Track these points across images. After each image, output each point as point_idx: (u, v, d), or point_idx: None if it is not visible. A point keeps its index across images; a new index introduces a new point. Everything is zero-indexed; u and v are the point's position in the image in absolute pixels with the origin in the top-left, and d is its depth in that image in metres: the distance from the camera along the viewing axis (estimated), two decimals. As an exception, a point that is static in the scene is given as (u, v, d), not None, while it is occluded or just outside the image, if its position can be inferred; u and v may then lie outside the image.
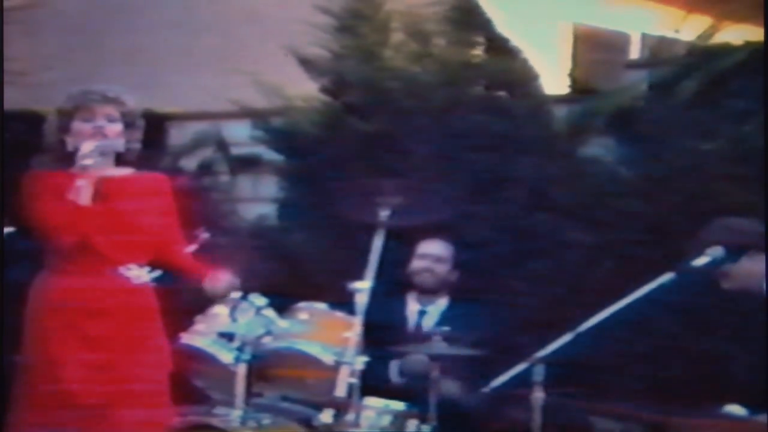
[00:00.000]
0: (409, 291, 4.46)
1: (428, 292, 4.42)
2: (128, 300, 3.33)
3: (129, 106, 3.37)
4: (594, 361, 4.09)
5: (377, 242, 3.98)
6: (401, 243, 4.35)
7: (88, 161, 3.26)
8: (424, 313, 4.41)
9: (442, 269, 4.41)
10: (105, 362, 3.26)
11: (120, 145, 3.35)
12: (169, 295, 3.46)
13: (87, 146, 3.27)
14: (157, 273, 3.44)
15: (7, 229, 4.33)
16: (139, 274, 3.35)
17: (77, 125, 3.31)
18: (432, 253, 4.42)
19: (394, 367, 4.20)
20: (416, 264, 4.42)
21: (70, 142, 3.32)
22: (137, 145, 3.41)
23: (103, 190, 3.29)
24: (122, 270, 3.32)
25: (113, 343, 3.27)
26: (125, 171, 3.40)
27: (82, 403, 3.22)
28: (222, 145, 5.70)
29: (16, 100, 5.84)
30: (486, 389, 3.57)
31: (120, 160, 3.39)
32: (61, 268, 3.31)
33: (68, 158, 3.32)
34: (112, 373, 3.25)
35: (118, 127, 3.33)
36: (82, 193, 3.24)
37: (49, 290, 3.33)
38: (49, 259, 3.35)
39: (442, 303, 4.43)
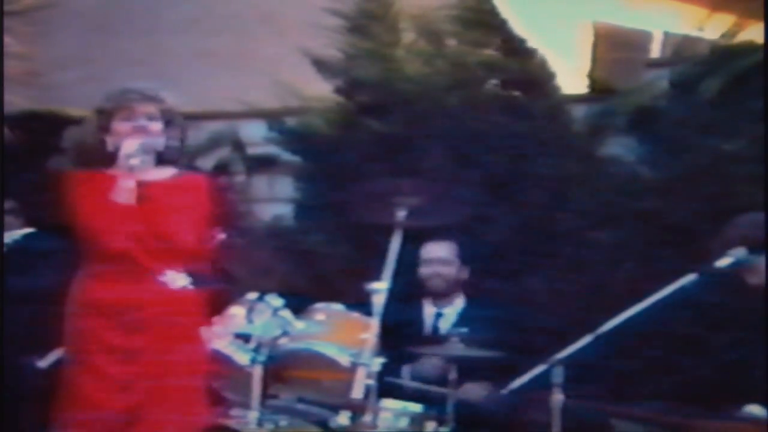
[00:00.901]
0: (424, 295, 4.46)
1: (442, 295, 4.42)
2: (164, 306, 3.30)
3: (168, 103, 3.35)
4: (614, 363, 4.10)
5: (394, 243, 3.99)
6: (418, 243, 4.37)
7: (134, 161, 3.24)
8: (440, 315, 4.42)
9: (450, 271, 4.41)
10: (141, 368, 3.25)
11: (161, 143, 3.33)
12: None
13: (130, 145, 3.25)
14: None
15: (27, 230, 4.39)
16: (176, 278, 3.32)
17: (118, 125, 3.29)
18: (436, 257, 4.42)
19: (406, 372, 4.21)
20: (424, 270, 4.43)
21: (110, 142, 3.31)
22: (178, 144, 3.38)
23: (147, 192, 3.28)
24: (158, 275, 3.29)
25: (150, 349, 3.26)
26: (167, 171, 3.37)
27: (117, 409, 3.22)
28: (238, 145, 5.73)
29: (32, 100, 5.90)
30: (504, 391, 3.57)
31: (161, 159, 3.36)
32: (100, 271, 3.29)
33: (109, 158, 3.31)
34: (148, 378, 3.25)
35: (158, 125, 3.30)
36: (127, 194, 3.23)
37: (86, 295, 3.31)
38: (87, 262, 3.32)
39: (458, 304, 4.44)
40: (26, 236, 4.40)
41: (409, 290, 4.39)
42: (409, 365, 4.21)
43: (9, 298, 4.24)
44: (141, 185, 3.28)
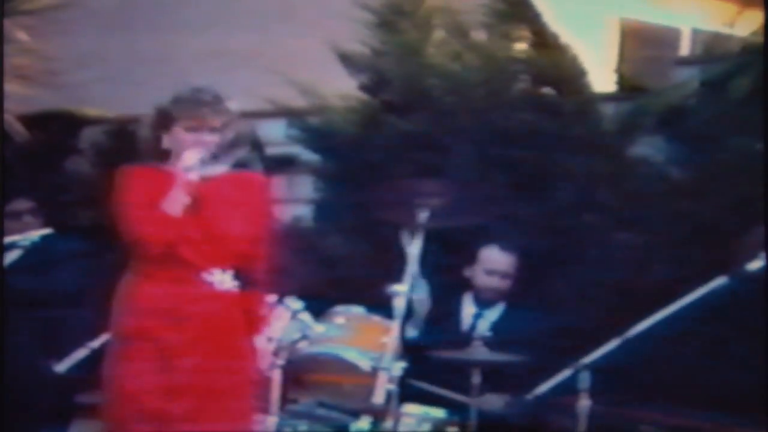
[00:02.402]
0: (466, 292, 4.43)
1: (487, 300, 4.40)
2: (211, 306, 3.30)
3: (233, 114, 3.37)
4: (643, 368, 4.07)
5: (416, 244, 3.98)
6: (442, 245, 4.35)
7: (192, 175, 3.26)
8: (480, 316, 4.39)
9: (508, 284, 4.39)
10: (187, 371, 3.25)
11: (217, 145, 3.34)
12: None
13: (190, 158, 3.26)
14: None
15: (45, 231, 4.41)
16: (223, 280, 3.32)
17: (180, 132, 3.30)
18: (502, 270, 4.37)
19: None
20: (483, 278, 4.38)
21: (167, 141, 3.33)
22: (230, 144, 3.39)
23: (196, 196, 3.28)
24: (205, 275, 3.29)
25: (195, 351, 3.26)
26: (219, 168, 3.37)
27: (162, 412, 3.22)
28: (257, 145, 5.71)
29: (50, 100, 5.94)
30: (530, 396, 3.55)
31: (213, 156, 3.36)
32: (146, 272, 3.31)
33: (163, 155, 3.33)
34: (194, 382, 3.25)
35: (218, 137, 3.32)
36: (176, 203, 3.25)
37: (133, 295, 3.33)
38: (134, 262, 3.33)
39: (499, 307, 4.41)
40: (44, 237, 4.42)
41: (445, 288, 4.36)
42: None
43: (26, 300, 4.26)
44: (192, 190, 3.28)
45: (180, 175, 3.26)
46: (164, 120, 3.34)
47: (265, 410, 3.74)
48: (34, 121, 6.04)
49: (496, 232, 4.43)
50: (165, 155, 3.34)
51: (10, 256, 4.43)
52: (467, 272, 4.43)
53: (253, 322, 3.40)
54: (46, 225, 4.49)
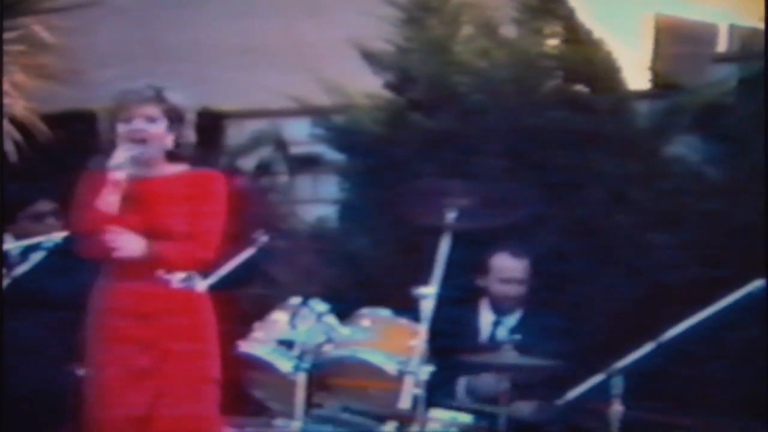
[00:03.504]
0: (482, 300, 4.42)
1: (505, 308, 4.38)
2: (169, 304, 3.34)
3: (171, 102, 3.37)
4: (677, 373, 4.04)
5: (444, 246, 3.97)
6: (469, 246, 4.33)
7: (119, 173, 3.28)
8: (498, 323, 4.38)
9: (524, 290, 4.36)
10: (148, 369, 3.29)
11: (164, 145, 3.36)
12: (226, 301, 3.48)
13: (119, 156, 3.29)
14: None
15: (66, 233, 4.44)
16: (177, 277, 3.34)
17: (118, 126, 3.35)
18: (515, 278, 4.35)
19: (461, 385, 4.17)
20: (498, 287, 4.36)
21: (116, 141, 3.36)
22: (189, 141, 3.42)
23: (140, 194, 3.32)
24: (161, 274, 3.32)
25: (157, 349, 3.30)
26: (176, 168, 3.41)
27: (125, 411, 3.27)
28: (281, 144, 5.75)
29: (73, 98, 5.98)
30: (560, 402, 3.53)
31: (171, 157, 3.41)
32: (109, 273, 3.38)
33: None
34: (156, 380, 3.29)
35: (159, 127, 3.34)
36: (110, 205, 3.27)
37: (98, 296, 3.40)
38: (101, 265, 3.40)
39: (516, 312, 4.40)
40: (67, 238, 4.45)
41: (464, 295, 4.35)
42: (464, 378, 4.18)
43: (49, 302, 4.29)
44: (131, 189, 3.31)
45: (110, 174, 3.27)
46: (109, 119, 3.38)
47: (289, 415, 3.74)
48: (57, 121, 6.08)
49: (506, 237, 4.40)
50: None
51: (34, 258, 4.46)
52: (481, 281, 4.41)
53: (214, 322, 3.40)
54: (68, 227, 4.52)
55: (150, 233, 3.31)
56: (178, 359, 3.30)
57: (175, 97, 3.40)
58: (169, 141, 3.38)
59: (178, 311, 3.34)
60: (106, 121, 3.41)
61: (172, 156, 3.41)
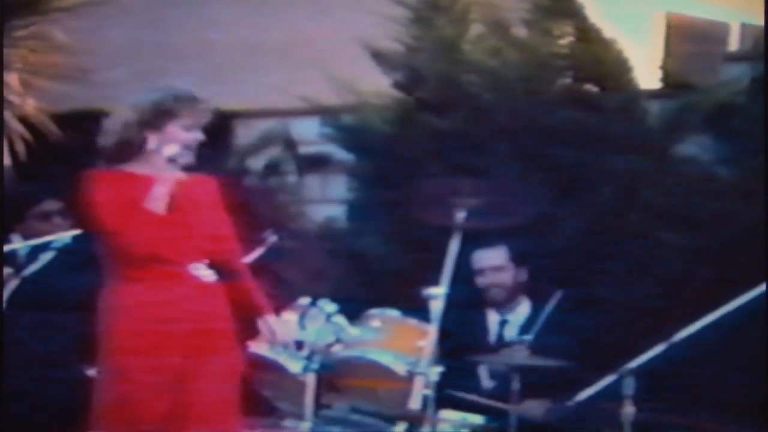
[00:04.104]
0: (486, 303, 4.42)
1: (503, 303, 4.38)
2: (200, 302, 3.35)
3: (212, 114, 3.40)
4: (689, 374, 4.03)
5: (453, 246, 3.97)
6: (478, 246, 4.34)
7: (173, 165, 3.29)
8: (505, 322, 4.37)
9: (506, 277, 4.35)
10: (176, 370, 3.29)
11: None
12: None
13: (172, 148, 3.29)
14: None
15: (75, 232, 4.45)
16: (207, 273, 3.37)
17: (175, 130, 3.32)
18: (489, 266, 4.36)
19: (483, 372, 4.16)
20: (480, 280, 4.37)
21: (153, 141, 3.33)
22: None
23: (176, 196, 3.33)
24: (191, 269, 3.34)
25: (186, 349, 3.30)
26: (180, 174, 3.39)
27: (152, 413, 3.26)
28: (290, 144, 5.76)
29: (83, 98, 5.99)
30: (572, 402, 3.52)
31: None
32: (128, 275, 3.34)
33: (145, 157, 3.34)
34: (183, 382, 3.28)
35: (198, 135, 3.37)
36: (161, 202, 3.28)
37: (119, 299, 3.36)
38: (115, 266, 3.36)
39: (522, 310, 4.39)
40: (75, 238, 4.46)
41: (472, 296, 4.35)
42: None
43: (58, 303, 4.30)
44: (172, 190, 3.33)
45: (162, 174, 3.29)
46: (157, 118, 3.33)
47: (299, 416, 3.75)
48: (67, 120, 6.10)
49: (516, 236, 4.39)
50: (145, 158, 3.34)
51: (43, 258, 4.47)
52: (476, 286, 4.41)
53: (248, 309, 3.43)
54: (77, 226, 4.53)
55: (184, 233, 3.32)
56: (208, 355, 3.30)
57: (210, 106, 3.41)
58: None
59: (206, 308, 3.34)
60: (152, 117, 3.34)
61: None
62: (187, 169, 3.39)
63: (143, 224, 3.27)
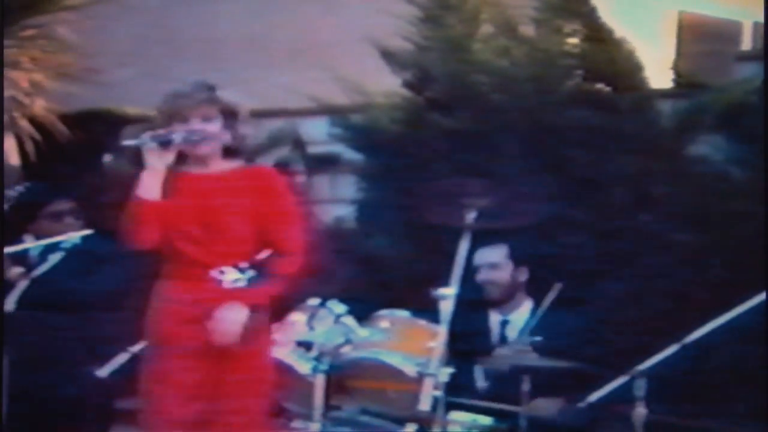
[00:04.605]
0: (486, 302, 4.42)
1: (502, 301, 4.37)
2: (218, 305, 3.32)
3: (225, 101, 3.42)
4: (701, 376, 4.01)
5: (463, 246, 3.96)
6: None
7: (160, 160, 3.32)
8: (506, 322, 4.37)
9: (503, 275, 4.35)
10: (203, 374, 3.29)
11: (221, 142, 3.40)
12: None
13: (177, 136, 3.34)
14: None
15: (86, 232, 4.46)
16: (236, 278, 3.35)
17: (174, 128, 3.36)
18: (486, 262, 4.35)
19: (479, 373, 4.16)
20: (477, 278, 4.36)
21: (178, 137, 3.36)
22: (245, 137, 3.45)
23: (193, 191, 3.36)
24: (214, 273, 3.34)
25: (209, 353, 3.30)
26: (232, 164, 3.44)
27: (186, 414, 3.27)
28: (299, 143, 5.76)
29: (91, 98, 6.01)
30: (582, 404, 3.51)
31: (227, 153, 3.44)
32: (167, 274, 3.38)
33: (191, 157, 3.39)
34: (212, 387, 3.29)
35: (215, 125, 3.38)
36: (151, 190, 3.31)
37: (157, 297, 3.39)
38: (160, 264, 3.40)
39: (524, 310, 4.38)
40: (85, 238, 4.47)
41: (475, 297, 4.35)
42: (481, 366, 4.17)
43: (68, 303, 4.31)
44: (195, 179, 3.37)
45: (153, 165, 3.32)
46: (163, 122, 3.39)
47: (307, 417, 3.74)
48: (75, 120, 6.12)
49: (525, 237, 4.38)
50: (181, 158, 3.38)
51: (53, 258, 4.48)
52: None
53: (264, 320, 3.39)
54: (87, 226, 4.54)
55: (207, 229, 3.33)
56: (238, 362, 3.30)
57: (228, 95, 3.44)
58: (226, 138, 3.41)
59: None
60: (161, 123, 3.40)
61: (228, 152, 3.44)
62: (247, 159, 3.43)
63: (140, 213, 3.30)
